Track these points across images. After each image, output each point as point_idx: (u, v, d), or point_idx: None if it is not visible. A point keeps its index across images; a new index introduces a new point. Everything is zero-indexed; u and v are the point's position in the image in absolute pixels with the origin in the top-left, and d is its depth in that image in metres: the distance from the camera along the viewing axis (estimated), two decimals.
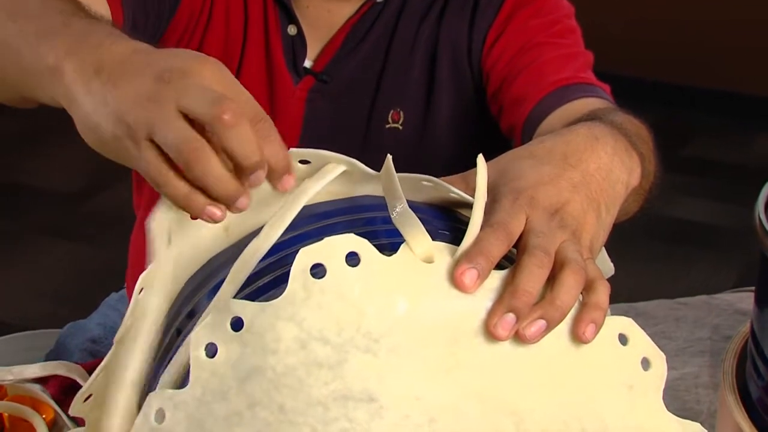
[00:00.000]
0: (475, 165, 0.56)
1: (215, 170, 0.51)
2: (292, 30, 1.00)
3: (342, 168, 0.57)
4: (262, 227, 0.57)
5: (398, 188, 0.53)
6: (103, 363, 0.57)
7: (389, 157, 0.55)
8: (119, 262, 1.21)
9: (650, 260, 2.41)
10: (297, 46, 1.01)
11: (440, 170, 0.60)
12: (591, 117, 0.73)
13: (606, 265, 0.61)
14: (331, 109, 1.02)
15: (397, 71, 1.02)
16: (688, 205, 2.64)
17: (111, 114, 0.54)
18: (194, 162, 0.50)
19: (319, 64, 1.02)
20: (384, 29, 1.01)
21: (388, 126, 1.02)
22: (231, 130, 0.51)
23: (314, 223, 0.56)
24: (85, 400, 0.59)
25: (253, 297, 0.53)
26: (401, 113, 1.03)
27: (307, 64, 1.02)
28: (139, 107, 0.52)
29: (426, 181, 0.58)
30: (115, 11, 0.87)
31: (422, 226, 0.50)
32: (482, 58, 1.00)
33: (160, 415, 0.49)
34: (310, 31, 1.01)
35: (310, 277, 0.49)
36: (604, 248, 0.62)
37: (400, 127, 1.02)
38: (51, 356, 1.18)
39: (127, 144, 0.53)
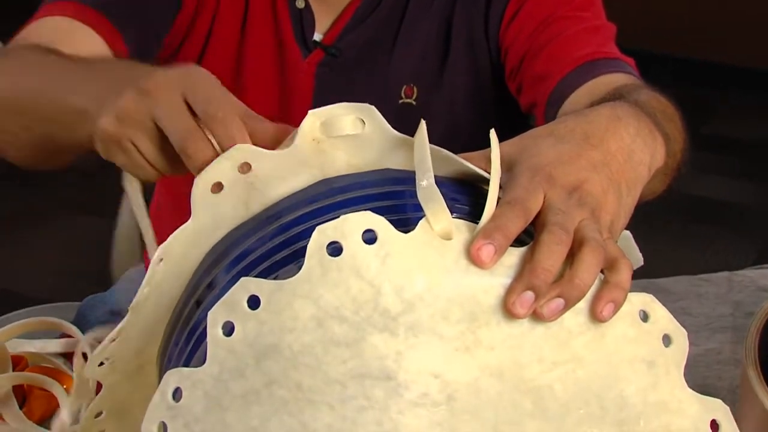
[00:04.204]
0: None
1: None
2: (300, 3, 0.99)
3: None
4: (281, 201, 0.57)
5: (428, 160, 0.52)
6: (118, 328, 0.58)
7: (423, 123, 0.55)
8: (139, 237, 1.22)
9: (671, 237, 2.40)
10: (305, 19, 1.00)
11: (457, 147, 0.59)
12: (615, 96, 0.72)
13: (635, 255, 0.60)
14: (341, 83, 1.01)
15: (409, 46, 1.01)
16: (709, 183, 2.63)
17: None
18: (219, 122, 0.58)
19: (329, 37, 1.01)
20: (396, 3, 1.00)
21: (401, 101, 1.02)
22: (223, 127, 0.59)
23: (337, 196, 0.56)
24: (101, 364, 0.59)
25: (269, 272, 0.53)
26: (414, 89, 1.02)
27: (317, 37, 1.01)
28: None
29: (444, 153, 0.57)
30: (114, 42, 0.91)
31: (444, 202, 0.50)
32: (500, 35, 0.99)
33: (178, 393, 0.49)
34: (319, 4, 1.00)
35: (327, 254, 0.48)
36: (632, 238, 0.61)
37: (414, 103, 1.02)
38: None
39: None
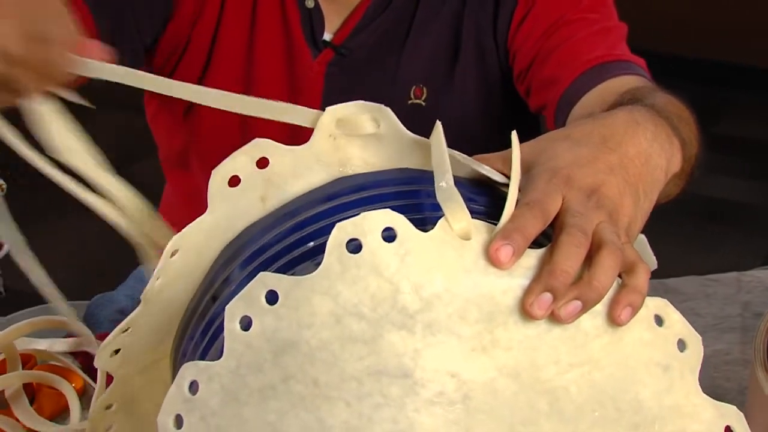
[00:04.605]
0: (505, 143, 0.56)
1: None
2: (309, 2, 0.99)
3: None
4: (298, 198, 0.57)
5: (447, 161, 0.52)
6: (129, 318, 0.58)
7: (439, 124, 0.55)
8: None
9: (681, 237, 2.40)
10: (315, 18, 1.00)
11: (466, 148, 0.59)
12: (631, 99, 0.72)
13: (648, 259, 0.61)
14: (350, 83, 1.01)
15: (418, 47, 1.01)
16: (717, 183, 2.62)
17: None
18: None
19: (339, 37, 1.01)
20: (405, 4, 1.00)
21: (410, 102, 1.02)
22: None
23: (354, 194, 0.56)
24: (112, 355, 0.59)
25: (285, 269, 0.53)
26: (424, 89, 1.02)
27: (327, 37, 1.01)
28: None
29: (458, 156, 0.57)
30: (85, 21, 0.88)
31: (463, 202, 0.50)
32: (509, 38, 0.98)
33: (194, 386, 0.49)
34: (329, 4, 0.99)
35: (346, 251, 0.48)
36: (647, 242, 0.61)
37: (423, 104, 1.02)
38: None
39: None
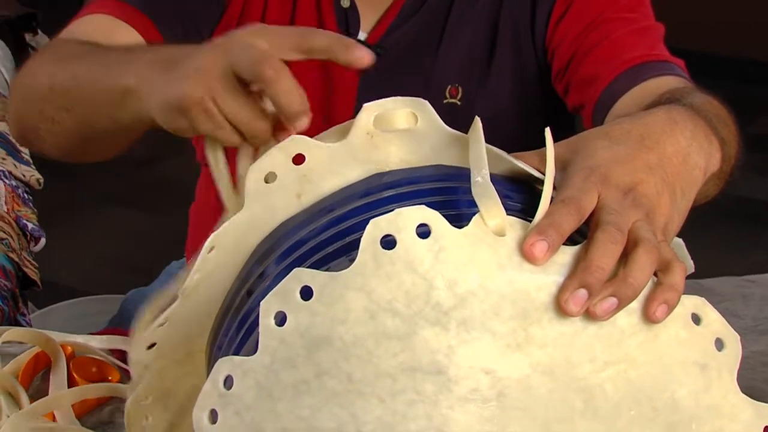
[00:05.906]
0: (540, 142, 0.55)
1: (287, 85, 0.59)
2: (345, 2, 0.99)
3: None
4: (333, 194, 0.57)
5: (484, 157, 0.52)
6: (166, 314, 0.58)
7: (478, 120, 0.54)
8: (180, 231, 1.22)
9: (716, 237, 2.37)
10: (350, 18, 1.00)
11: (502, 147, 0.59)
12: (669, 99, 0.71)
13: (686, 263, 0.60)
14: (385, 82, 1.01)
15: (454, 46, 1.00)
16: (756, 183, 2.60)
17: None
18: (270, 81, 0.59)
19: (374, 36, 1.00)
20: (440, 2, 1.00)
21: (445, 101, 1.01)
22: (275, 84, 0.59)
23: (390, 190, 0.56)
24: (149, 348, 0.60)
25: (320, 264, 0.54)
26: (459, 89, 1.01)
27: (362, 36, 1.01)
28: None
29: (497, 152, 0.57)
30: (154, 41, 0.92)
31: (498, 198, 0.49)
32: (547, 36, 0.98)
33: (229, 381, 0.50)
34: (364, 3, 1.00)
35: (380, 248, 0.48)
36: (684, 245, 0.61)
37: (459, 103, 1.01)
38: (114, 321, 1.20)
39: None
